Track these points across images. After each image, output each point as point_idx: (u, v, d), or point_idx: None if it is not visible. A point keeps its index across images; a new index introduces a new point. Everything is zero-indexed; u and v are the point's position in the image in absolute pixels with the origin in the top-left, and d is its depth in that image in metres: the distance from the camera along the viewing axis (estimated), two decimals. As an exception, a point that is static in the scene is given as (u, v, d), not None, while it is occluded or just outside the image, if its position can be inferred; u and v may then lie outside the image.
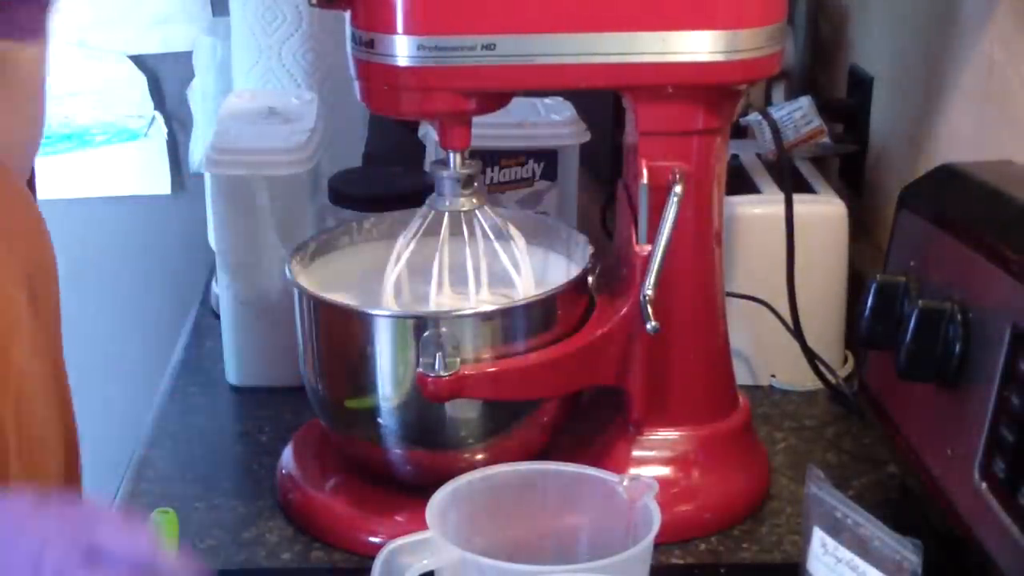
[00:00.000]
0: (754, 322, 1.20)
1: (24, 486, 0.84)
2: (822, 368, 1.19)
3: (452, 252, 0.98)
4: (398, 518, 0.98)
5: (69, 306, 0.95)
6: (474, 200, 0.98)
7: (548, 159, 1.27)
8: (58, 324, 0.94)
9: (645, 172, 0.95)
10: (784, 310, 1.17)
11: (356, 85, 0.95)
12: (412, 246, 0.98)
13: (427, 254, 0.98)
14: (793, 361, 1.19)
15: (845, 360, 1.25)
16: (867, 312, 0.91)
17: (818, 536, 0.80)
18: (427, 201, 0.99)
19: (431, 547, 0.78)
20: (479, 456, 0.98)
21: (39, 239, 0.93)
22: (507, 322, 0.95)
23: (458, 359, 0.92)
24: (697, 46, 0.90)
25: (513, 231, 0.99)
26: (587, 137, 1.28)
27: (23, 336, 0.85)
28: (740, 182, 1.25)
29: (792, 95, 1.48)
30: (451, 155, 0.97)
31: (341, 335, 0.98)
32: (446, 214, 0.98)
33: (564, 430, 1.02)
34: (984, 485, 0.79)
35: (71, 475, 0.96)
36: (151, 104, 1.89)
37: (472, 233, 0.97)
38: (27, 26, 0.91)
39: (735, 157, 1.32)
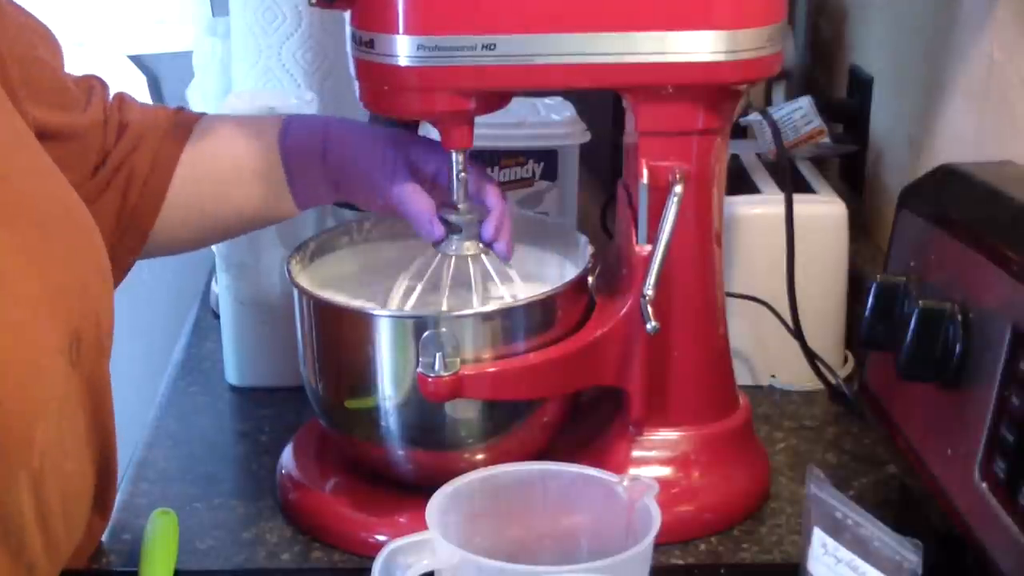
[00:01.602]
0: (754, 322, 1.20)
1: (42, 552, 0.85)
2: (822, 368, 1.19)
3: (455, 295, 0.97)
4: (398, 518, 0.98)
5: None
6: (479, 245, 0.97)
7: (548, 159, 1.27)
8: (105, 371, 0.94)
9: (645, 172, 0.95)
10: (784, 310, 1.17)
11: (356, 85, 0.95)
12: (419, 290, 0.98)
13: (429, 300, 0.98)
14: (793, 361, 1.19)
15: (845, 360, 1.25)
16: (867, 312, 0.91)
17: (818, 536, 0.80)
18: (435, 246, 0.98)
19: (431, 547, 0.78)
20: (479, 456, 0.98)
21: (97, 293, 0.92)
22: (507, 322, 0.95)
23: (458, 359, 0.92)
24: (697, 46, 0.90)
25: (514, 274, 0.99)
26: (587, 137, 1.28)
27: (53, 408, 0.85)
28: (740, 182, 1.25)
29: (792, 95, 1.48)
30: (456, 185, 0.96)
31: (341, 335, 0.98)
32: (453, 257, 0.97)
33: (564, 430, 1.02)
34: (984, 485, 0.79)
35: (103, 499, 0.97)
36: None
37: (475, 276, 0.97)
38: None
39: (735, 157, 1.32)
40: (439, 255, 0.97)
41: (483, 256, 0.98)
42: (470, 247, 0.97)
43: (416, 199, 0.97)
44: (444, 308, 0.96)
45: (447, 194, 0.98)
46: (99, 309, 0.92)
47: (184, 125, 1.05)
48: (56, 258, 0.87)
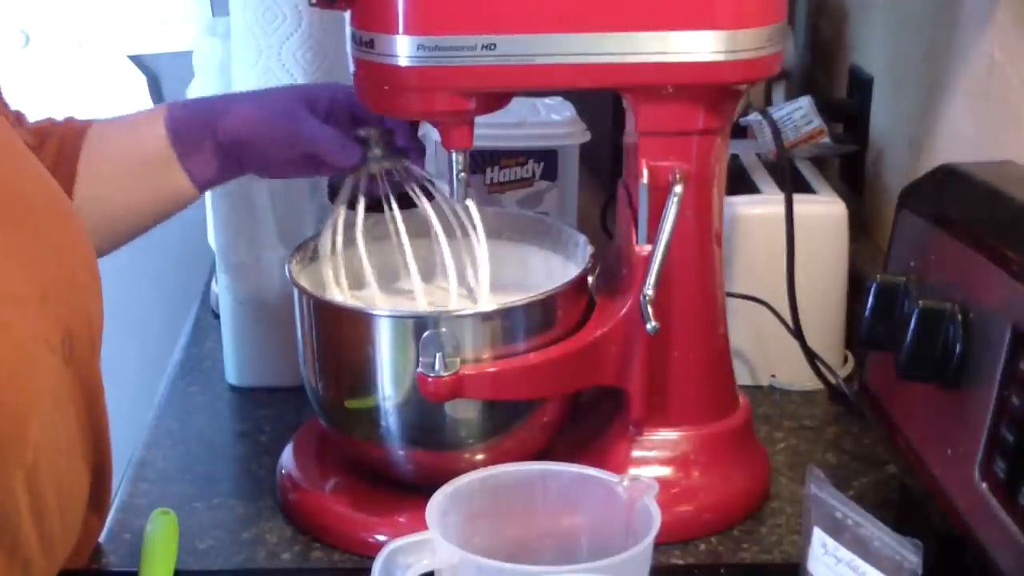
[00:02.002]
0: (754, 322, 1.20)
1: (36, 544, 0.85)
2: (822, 368, 1.19)
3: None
4: (398, 518, 0.98)
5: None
6: (396, 157, 1.00)
7: (548, 159, 1.27)
8: (96, 369, 0.94)
9: (645, 172, 0.95)
10: (784, 310, 1.17)
11: (356, 85, 0.95)
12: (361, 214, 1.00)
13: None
14: (793, 361, 1.19)
15: (845, 360, 1.25)
16: (867, 312, 0.91)
17: (818, 536, 0.80)
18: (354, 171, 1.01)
19: (431, 547, 0.78)
20: (479, 456, 0.98)
21: (87, 289, 0.93)
22: (507, 322, 0.95)
23: (458, 359, 0.92)
24: (697, 46, 0.90)
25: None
26: (587, 137, 1.28)
27: (47, 404, 0.86)
28: (740, 182, 1.25)
29: (792, 95, 1.48)
30: (456, 185, 0.98)
31: (341, 335, 0.98)
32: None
33: (564, 430, 1.02)
34: (984, 485, 0.79)
35: (99, 504, 0.97)
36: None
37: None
38: None
39: (735, 157, 1.32)
40: (361, 191, 1.00)
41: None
42: (386, 163, 1.00)
43: (324, 130, 1.00)
44: (406, 242, 0.97)
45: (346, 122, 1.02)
46: (90, 307, 0.93)
47: (77, 130, 1.06)
48: (47, 258, 0.88)
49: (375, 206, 1.01)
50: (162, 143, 1.04)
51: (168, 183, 1.05)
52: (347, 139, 1.00)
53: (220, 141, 1.03)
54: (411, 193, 0.99)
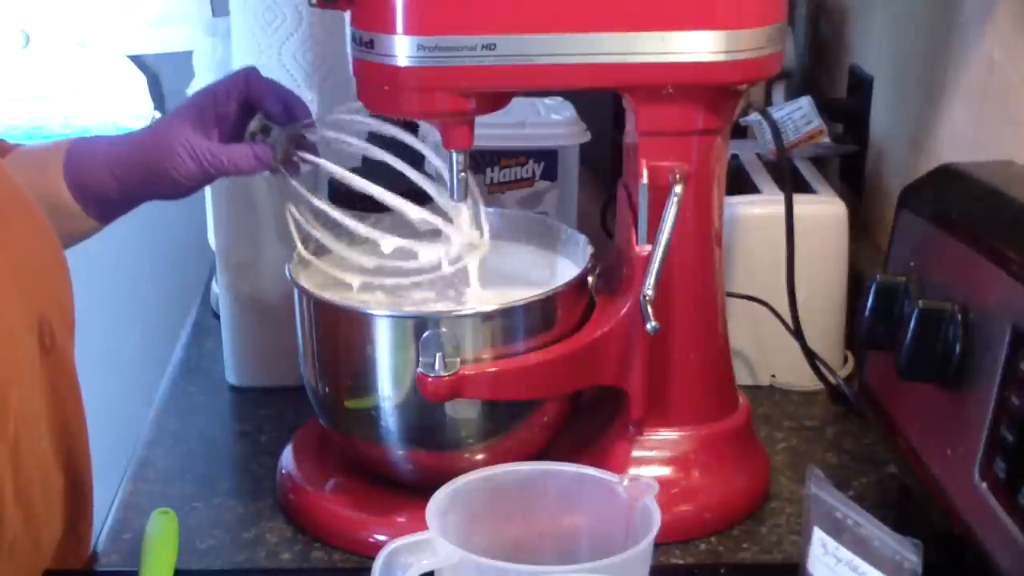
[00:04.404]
0: (754, 322, 1.20)
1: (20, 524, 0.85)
2: (822, 368, 1.19)
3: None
4: (398, 518, 0.98)
5: (69, 306, 0.95)
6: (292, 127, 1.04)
7: (548, 159, 1.27)
8: (71, 360, 0.94)
9: (645, 172, 0.95)
10: (784, 310, 1.17)
11: (356, 85, 0.95)
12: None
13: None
14: (793, 361, 1.19)
15: (845, 360, 1.25)
16: (867, 312, 0.91)
17: (818, 536, 0.80)
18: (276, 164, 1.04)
19: (431, 547, 0.78)
20: (479, 456, 0.98)
21: (56, 278, 0.93)
22: (507, 322, 0.95)
23: (458, 359, 0.92)
24: (697, 46, 0.90)
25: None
26: (587, 137, 1.28)
27: (26, 380, 0.86)
28: (740, 182, 1.25)
29: (792, 95, 1.48)
30: (456, 184, 0.99)
31: (341, 335, 0.98)
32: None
33: (564, 430, 1.02)
34: (984, 485, 0.79)
35: (79, 502, 0.97)
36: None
37: None
38: None
39: (735, 157, 1.32)
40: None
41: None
42: (286, 140, 1.03)
43: (225, 150, 1.02)
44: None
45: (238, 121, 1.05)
46: (61, 296, 0.93)
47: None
48: (16, 244, 0.89)
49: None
50: (62, 185, 1.04)
51: (72, 221, 1.05)
52: (248, 147, 1.02)
53: (118, 185, 1.04)
54: (344, 142, 1.02)
